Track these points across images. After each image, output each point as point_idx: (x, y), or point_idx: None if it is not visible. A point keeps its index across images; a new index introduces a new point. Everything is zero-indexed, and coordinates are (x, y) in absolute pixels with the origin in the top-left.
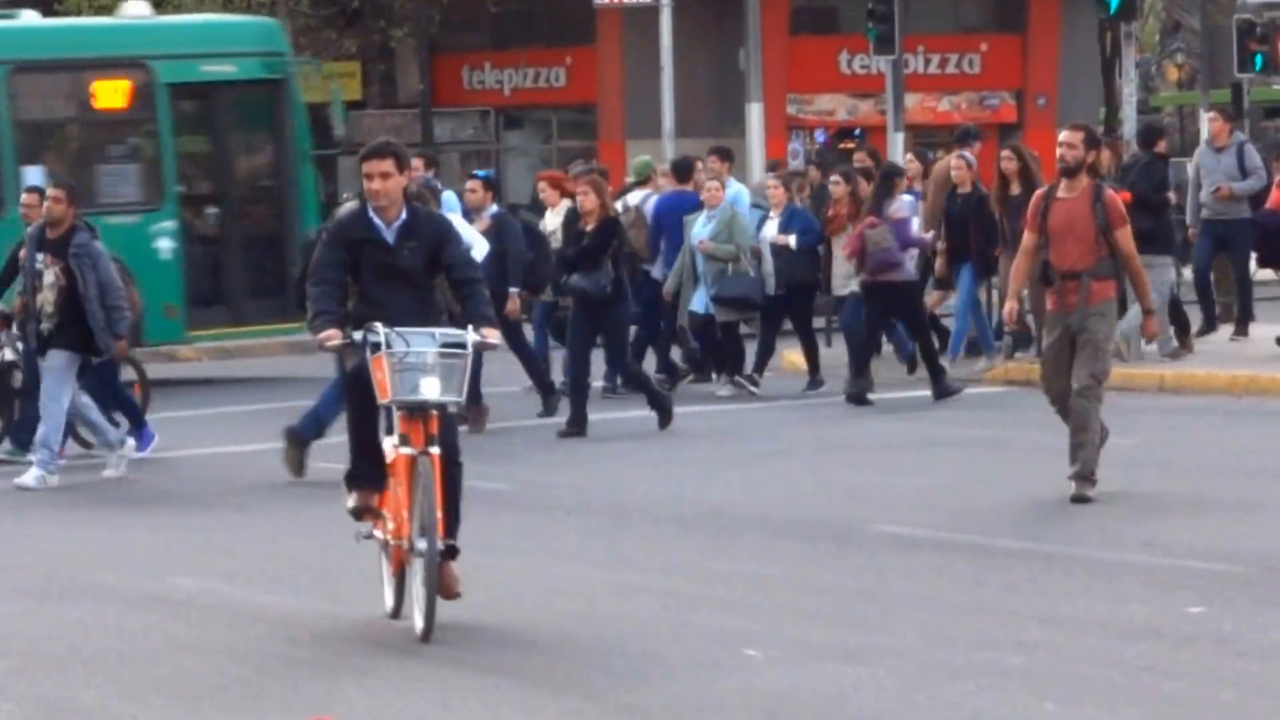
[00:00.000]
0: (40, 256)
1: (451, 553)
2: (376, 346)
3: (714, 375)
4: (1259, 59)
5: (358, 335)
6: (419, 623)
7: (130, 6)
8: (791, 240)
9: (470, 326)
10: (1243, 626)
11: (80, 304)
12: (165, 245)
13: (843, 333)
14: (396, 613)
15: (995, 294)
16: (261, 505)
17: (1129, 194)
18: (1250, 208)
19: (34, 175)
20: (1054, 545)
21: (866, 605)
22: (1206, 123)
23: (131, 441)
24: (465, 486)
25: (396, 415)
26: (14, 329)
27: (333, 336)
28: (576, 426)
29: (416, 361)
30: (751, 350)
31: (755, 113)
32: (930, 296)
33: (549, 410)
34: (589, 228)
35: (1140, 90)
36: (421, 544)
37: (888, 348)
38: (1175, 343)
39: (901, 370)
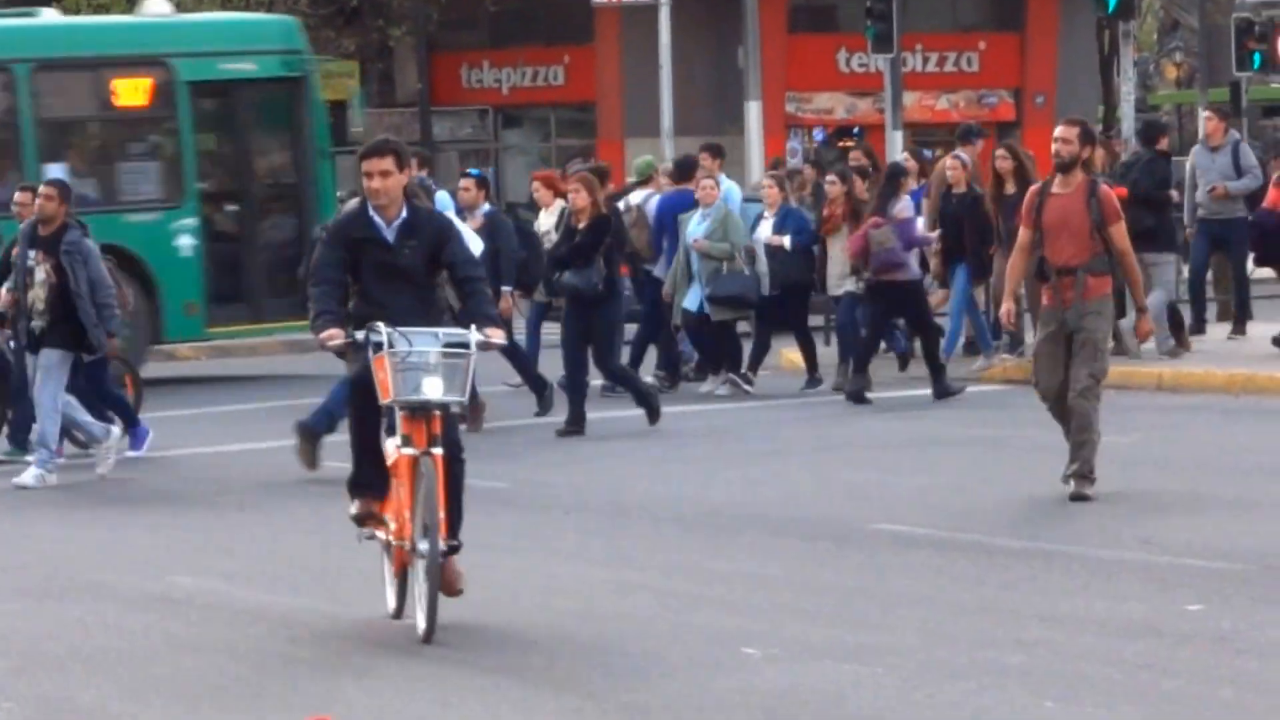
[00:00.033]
0: (32, 253)
1: (454, 549)
2: (379, 346)
3: (710, 374)
4: (1257, 57)
5: (360, 335)
6: (421, 624)
7: (151, 4)
8: (786, 241)
9: (473, 326)
10: (1241, 624)
11: (71, 301)
12: (186, 243)
13: (837, 333)
14: (399, 614)
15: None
16: (261, 505)
17: (1125, 190)
18: (1246, 207)
19: (56, 173)
20: (1053, 544)
21: (866, 604)
22: (1203, 121)
23: (116, 430)
24: (464, 484)
25: (399, 415)
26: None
27: (334, 336)
28: (575, 425)
29: (419, 361)
30: (749, 350)
31: (754, 111)
32: (934, 296)
33: (544, 408)
34: (581, 225)
35: (1138, 89)
36: (424, 545)
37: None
38: (1173, 340)
39: (899, 369)
